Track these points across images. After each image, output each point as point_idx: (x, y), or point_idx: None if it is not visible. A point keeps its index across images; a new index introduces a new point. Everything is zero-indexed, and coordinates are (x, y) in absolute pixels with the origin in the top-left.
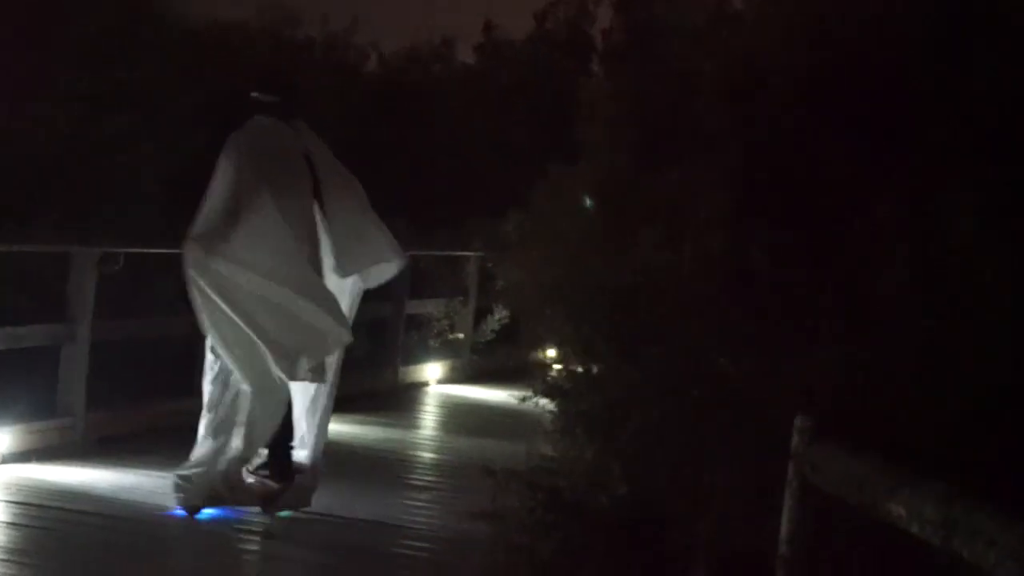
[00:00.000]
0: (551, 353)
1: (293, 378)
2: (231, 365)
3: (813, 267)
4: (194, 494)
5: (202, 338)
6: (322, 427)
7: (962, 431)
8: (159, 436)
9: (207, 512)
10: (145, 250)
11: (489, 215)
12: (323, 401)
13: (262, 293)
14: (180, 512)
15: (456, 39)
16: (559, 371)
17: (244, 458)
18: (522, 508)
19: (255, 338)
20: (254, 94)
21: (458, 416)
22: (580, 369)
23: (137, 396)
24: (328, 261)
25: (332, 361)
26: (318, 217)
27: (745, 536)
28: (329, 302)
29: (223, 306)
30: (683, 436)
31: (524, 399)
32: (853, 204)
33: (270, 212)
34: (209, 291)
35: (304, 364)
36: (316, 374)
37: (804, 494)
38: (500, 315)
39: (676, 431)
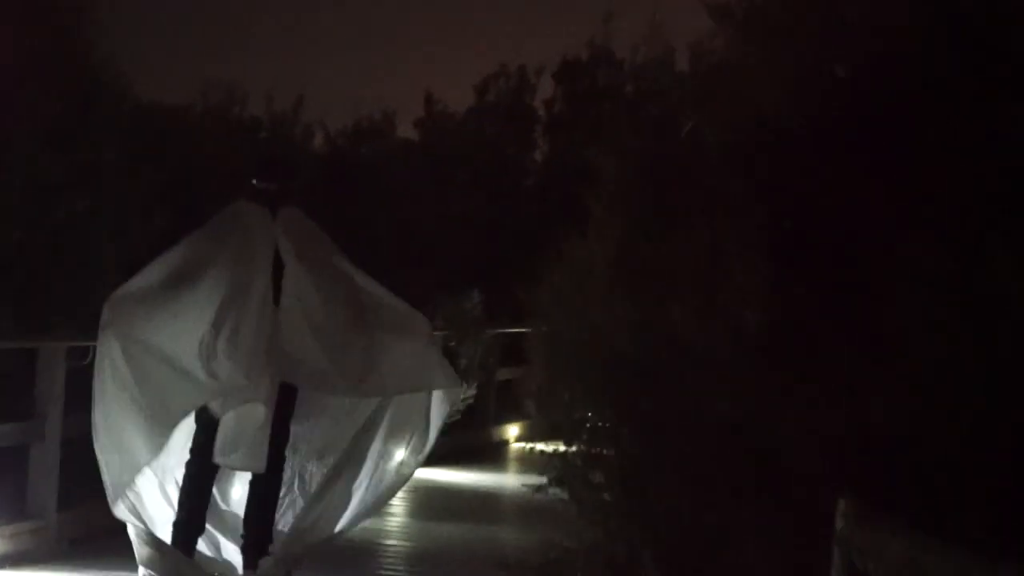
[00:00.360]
0: (514, 432)
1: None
2: (98, 433)
3: (849, 333)
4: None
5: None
6: (303, 517)
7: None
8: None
9: None
10: None
11: (439, 288)
12: (302, 488)
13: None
14: None
15: (396, 113)
16: (571, 455)
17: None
18: None
19: (134, 413)
20: (254, 181)
21: (431, 500)
22: (594, 451)
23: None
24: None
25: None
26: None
27: None
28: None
29: (112, 373)
30: (717, 520)
31: (539, 489)
32: (887, 264)
33: (193, 299)
34: (106, 355)
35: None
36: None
37: None
38: (465, 395)
39: (709, 516)
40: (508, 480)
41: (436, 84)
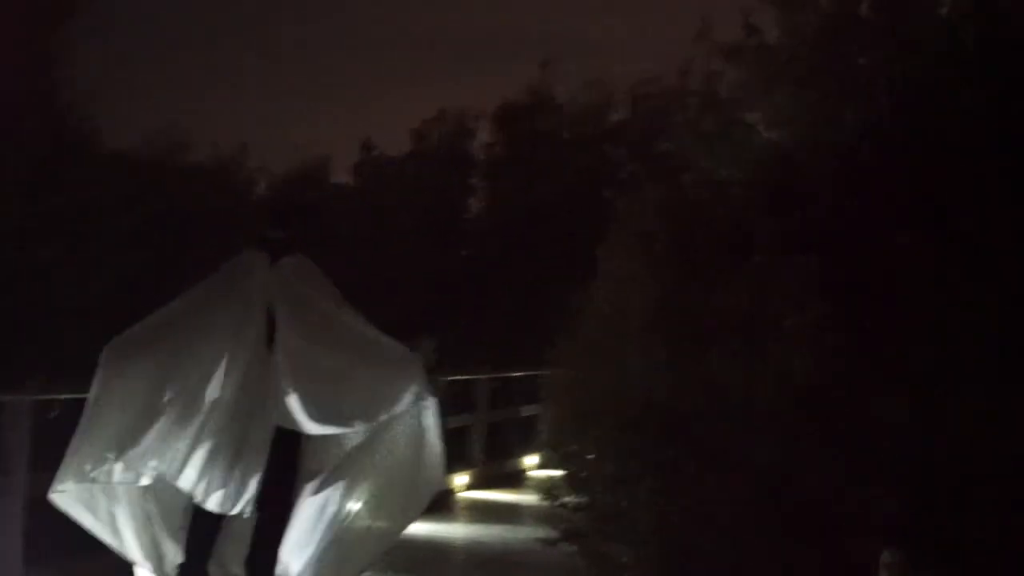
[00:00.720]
0: (461, 480)
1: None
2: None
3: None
4: None
5: None
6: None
7: None
8: None
9: None
10: (81, 395)
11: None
12: (305, 535)
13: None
14: None
15: (331, 159)
16: (588, 506)
17: None
18: None
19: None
20: (266, 231)
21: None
22: (615, 504)
23: (78, 550)
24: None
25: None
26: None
27: None
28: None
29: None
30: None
31: (550, 542)
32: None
33: (174, 351)
34: (94, 389)
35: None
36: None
37: None
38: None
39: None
40: (459, 530)
41: (374, 129)
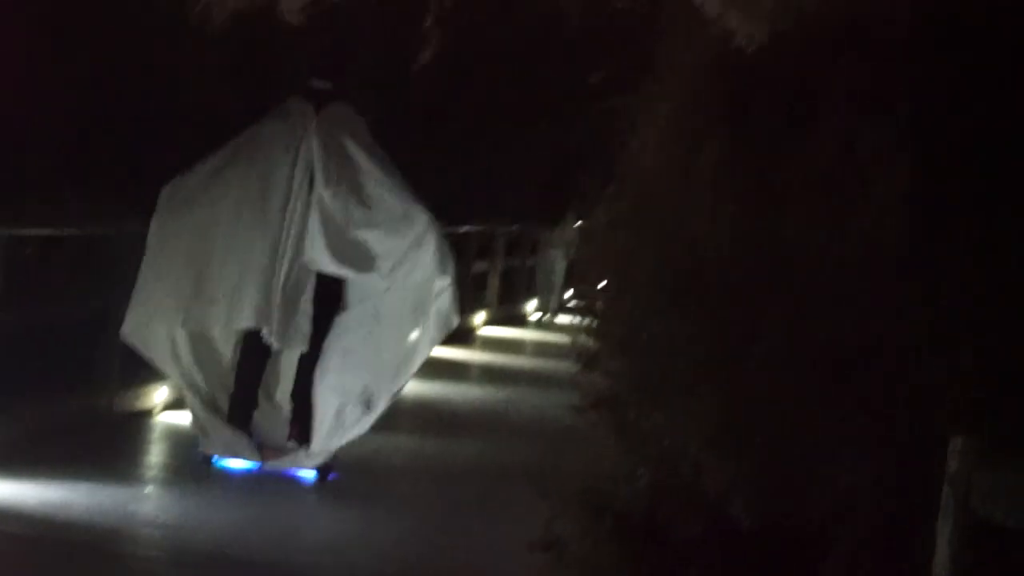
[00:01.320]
0: (480, 318)
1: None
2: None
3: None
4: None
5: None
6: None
7: None
8: (59, 439)
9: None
10: (53, 232)
11: None
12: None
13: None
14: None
15: None
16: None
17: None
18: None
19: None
20: (312, 82)
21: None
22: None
23: (31, 394)
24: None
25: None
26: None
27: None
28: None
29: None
30: (817, 457)
31: (579, 409)
32: None
33: (228, 201)
34: (152, 238)
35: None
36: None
37: (964, 522)
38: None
39: (809, 451)
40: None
41: None
